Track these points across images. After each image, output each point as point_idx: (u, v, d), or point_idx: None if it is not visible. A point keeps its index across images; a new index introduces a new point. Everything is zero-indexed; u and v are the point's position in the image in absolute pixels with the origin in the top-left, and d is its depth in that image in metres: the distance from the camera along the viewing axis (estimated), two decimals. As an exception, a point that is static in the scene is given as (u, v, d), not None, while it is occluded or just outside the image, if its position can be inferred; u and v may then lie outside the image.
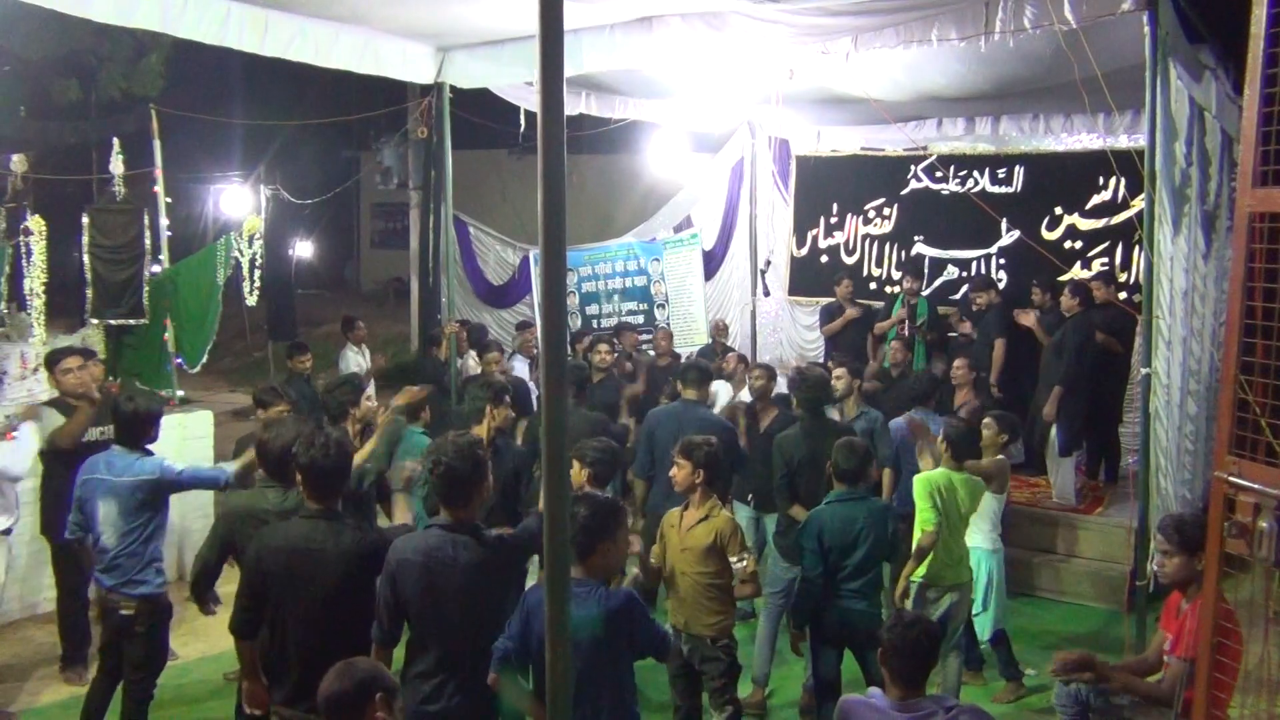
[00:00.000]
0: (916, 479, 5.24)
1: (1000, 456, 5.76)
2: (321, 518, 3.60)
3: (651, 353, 9.32)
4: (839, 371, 6.52)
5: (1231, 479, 2.75)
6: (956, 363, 6.99)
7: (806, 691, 5.42)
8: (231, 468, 4.75)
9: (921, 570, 5.11)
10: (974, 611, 5.63)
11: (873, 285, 10.13)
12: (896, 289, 9.84)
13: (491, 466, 4.87)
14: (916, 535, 5.09)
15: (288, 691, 3.58)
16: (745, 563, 4.39)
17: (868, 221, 10.42)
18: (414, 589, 3.37)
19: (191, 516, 7.15)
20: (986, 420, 5.83)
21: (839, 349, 9.18)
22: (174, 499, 4.77)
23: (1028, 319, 8.05)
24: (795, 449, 5.49)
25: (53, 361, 5.75)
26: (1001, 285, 9.07)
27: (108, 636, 4.67)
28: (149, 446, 4.68)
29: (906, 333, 8.86)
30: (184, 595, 5.50)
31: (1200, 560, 3.47)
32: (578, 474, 4.57)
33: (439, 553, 3.37)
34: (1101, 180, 8.91)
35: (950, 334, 8.92)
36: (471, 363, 8.78)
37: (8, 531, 5.55)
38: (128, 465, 4.54)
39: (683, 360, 8.87)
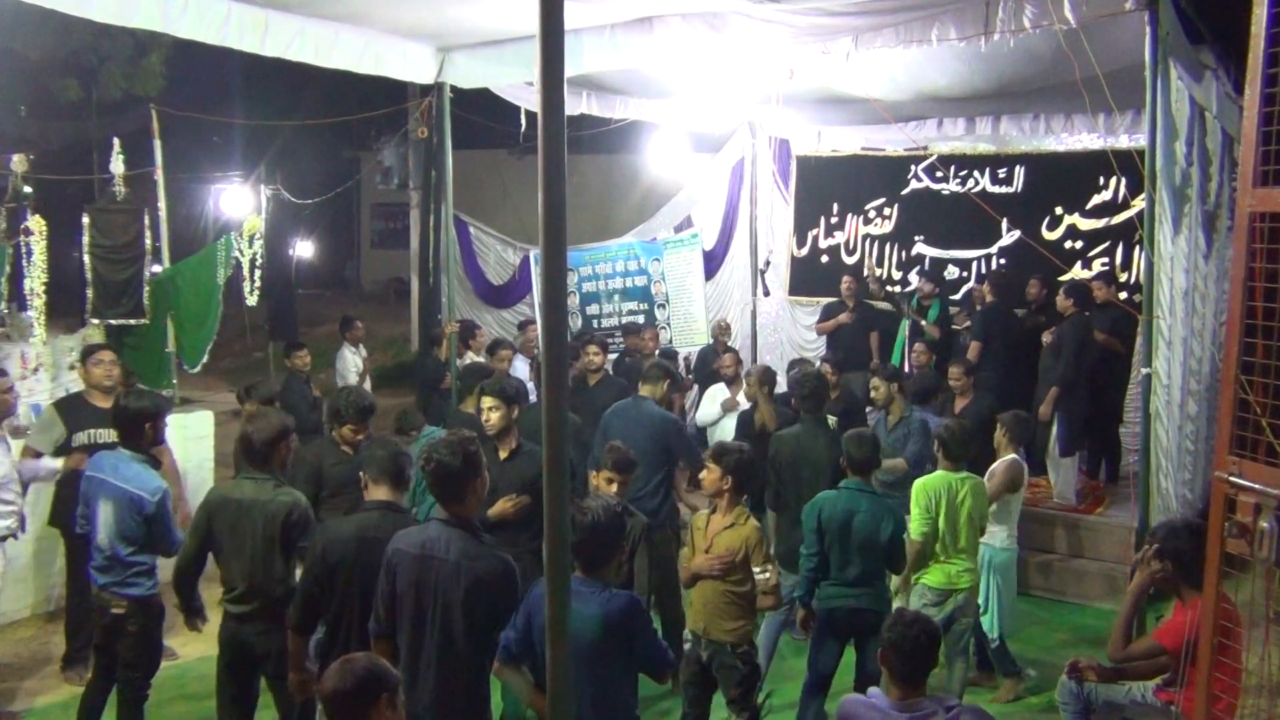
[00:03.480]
0: (915, 484, 5.23)
1: (1013, 456, 5.71)
2: (382, 509, 3.74)
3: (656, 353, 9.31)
4: (875, 382, 6.56)
5: (1232, 479, 2.76)
6: (952, 370, 6.99)
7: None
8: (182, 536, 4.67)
9: (931, 575, 5.09)
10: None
11: (872, 285, 10.12)
12: (896, 289, 9.84)
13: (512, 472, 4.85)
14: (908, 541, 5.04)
15: None
16: (768, 574, 4.33)
17: (868, 221, 10.42)
18: (405, 581, 3.37)
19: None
20: (999, 425, 5.79)
21: (835, 348, 9.18)
22: (174, 499, 4.74)
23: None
24: (782, 448, 5.55)
25: (87, 354, 5.97)
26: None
27: (101, 635, 4.66)
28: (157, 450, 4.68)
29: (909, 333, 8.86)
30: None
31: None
32: None
33: (433, 546, 3.36)
34: (1102, 180, 8.91)
35: (954, 327, 8.91)
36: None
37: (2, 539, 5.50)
38: (134, 474, 4.51)
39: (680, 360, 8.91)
